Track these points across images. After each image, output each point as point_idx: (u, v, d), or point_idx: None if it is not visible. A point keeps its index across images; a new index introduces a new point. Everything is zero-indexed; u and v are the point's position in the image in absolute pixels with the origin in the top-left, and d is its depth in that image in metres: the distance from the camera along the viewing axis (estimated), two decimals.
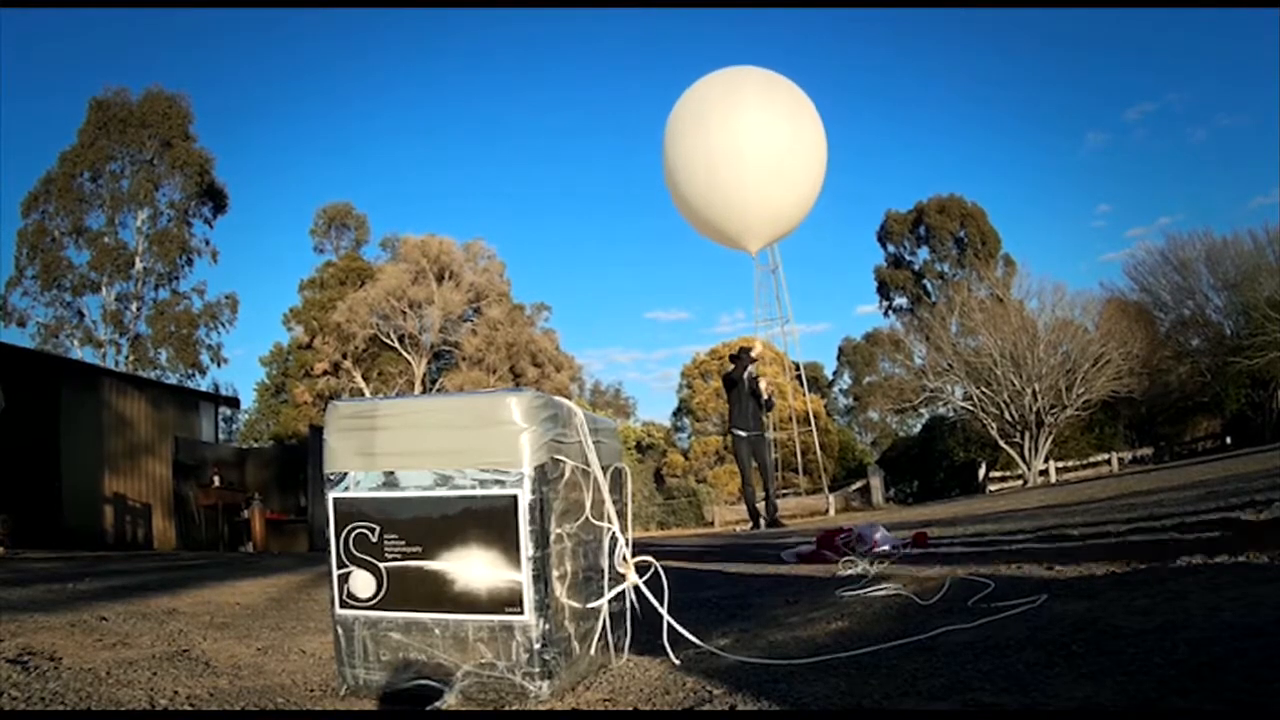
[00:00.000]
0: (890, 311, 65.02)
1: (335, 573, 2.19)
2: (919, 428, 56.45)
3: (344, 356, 50.95)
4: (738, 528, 15.41)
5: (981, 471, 40.33)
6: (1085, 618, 1.98)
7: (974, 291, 43.52)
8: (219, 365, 53.56)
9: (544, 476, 2.13)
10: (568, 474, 2.24)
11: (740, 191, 22.08)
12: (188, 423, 26.29)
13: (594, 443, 2.43)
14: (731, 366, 15.72)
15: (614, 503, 2.54)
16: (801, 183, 23.00)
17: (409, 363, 50.95)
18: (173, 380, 46.87)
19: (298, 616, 3.65)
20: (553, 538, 2.14)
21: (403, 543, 2.15)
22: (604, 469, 2.45)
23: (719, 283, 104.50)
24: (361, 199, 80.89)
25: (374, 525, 2.17)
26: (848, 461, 55.03)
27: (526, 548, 2.08)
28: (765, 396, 15.02)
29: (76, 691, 2.10)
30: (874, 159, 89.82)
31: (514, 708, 2.06)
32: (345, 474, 2.20)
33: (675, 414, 69.29)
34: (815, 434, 44.33)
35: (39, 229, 49.59)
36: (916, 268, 64.21)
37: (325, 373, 51.31)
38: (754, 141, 22.18)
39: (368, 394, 50.23)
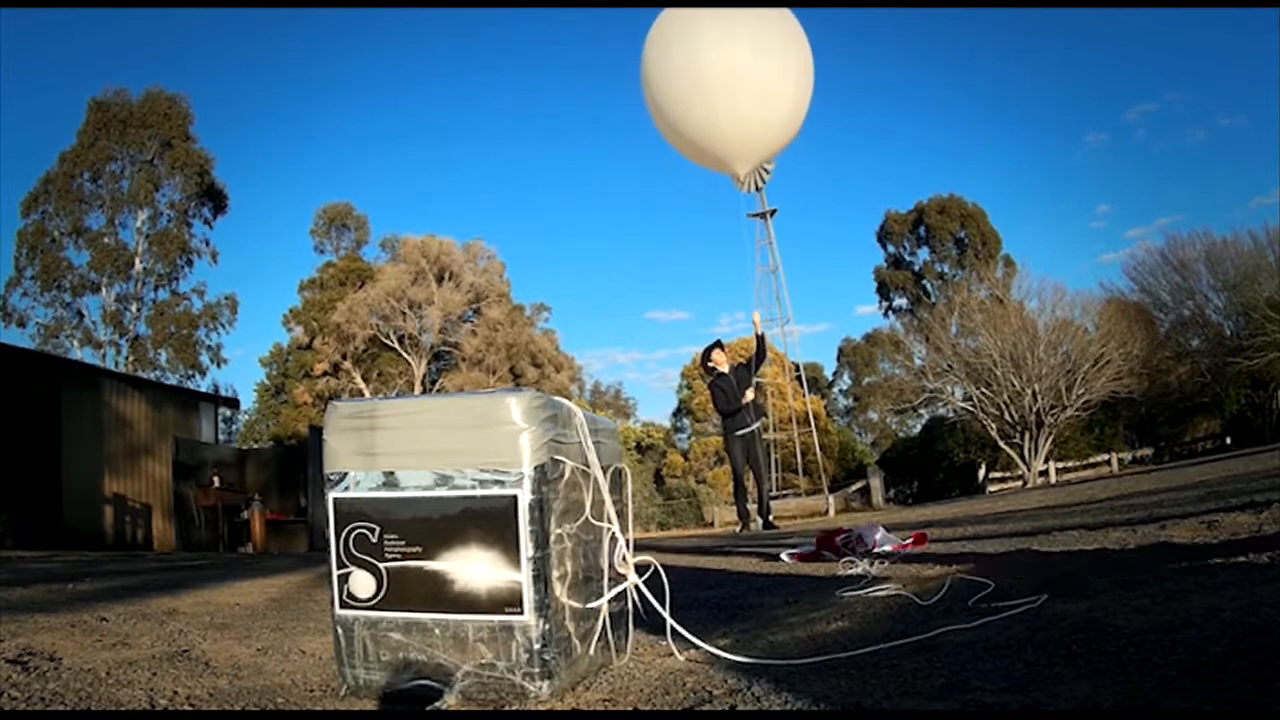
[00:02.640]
0: (890, 312, 65.11)
1: (335, 573, 2.19)
2: (919, 428, 56.49)
3: (344, 357, 51.01)
4: (737, 528, 15.19)
5: (981, 472, 40.34)
6: (1085, 618, 1.98)
7: (974, 292, 43.59)
8: (219, 366, 53.62)
9: (544, 477, 2.13)
10: (568, 474, 2.24)
11: (721, 109, 21.74)
12: (187, 423, 26.32)
13: (594, 443, 2.43)
14: (710, 375, 15.25)
15: (614, 503, 2.54)
16: (786, 99, 22.66)
17: (409, 363, 50.91)
18: (172, 381, 46.94)
19: (297, 617, 3.65)
20: (553, 538, 2.14)
21: (403, 543, 2.15)
22: (604, 469, 2.46)
23: (719, 283, 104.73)
24: (362, 200, 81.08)
25: (374, 525, 2.17)
26: (848, 462, 55.05)
27: (526, 548, 2.09)
28: (762, 339, 14.36)
29: (76, 692, 2.11)
30: (874, 159, 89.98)
31: (514, 708, 2.06)
32: (345, 474, 2.20)
33: (675, 414, 69.34)
34: (815, 434, 44.44)
35: (39, 229, 49.62)
36: (916, 268, 64.27)
37: (325, 373, 51.39)
38: (736, 57, 21.87)
39: (367, 394, 50.29)
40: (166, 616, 3.53)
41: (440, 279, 51.98)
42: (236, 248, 74.66)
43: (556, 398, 2.27)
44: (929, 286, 62.17)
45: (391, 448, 2.18)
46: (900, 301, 64.48)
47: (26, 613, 3.46)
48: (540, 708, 2.06)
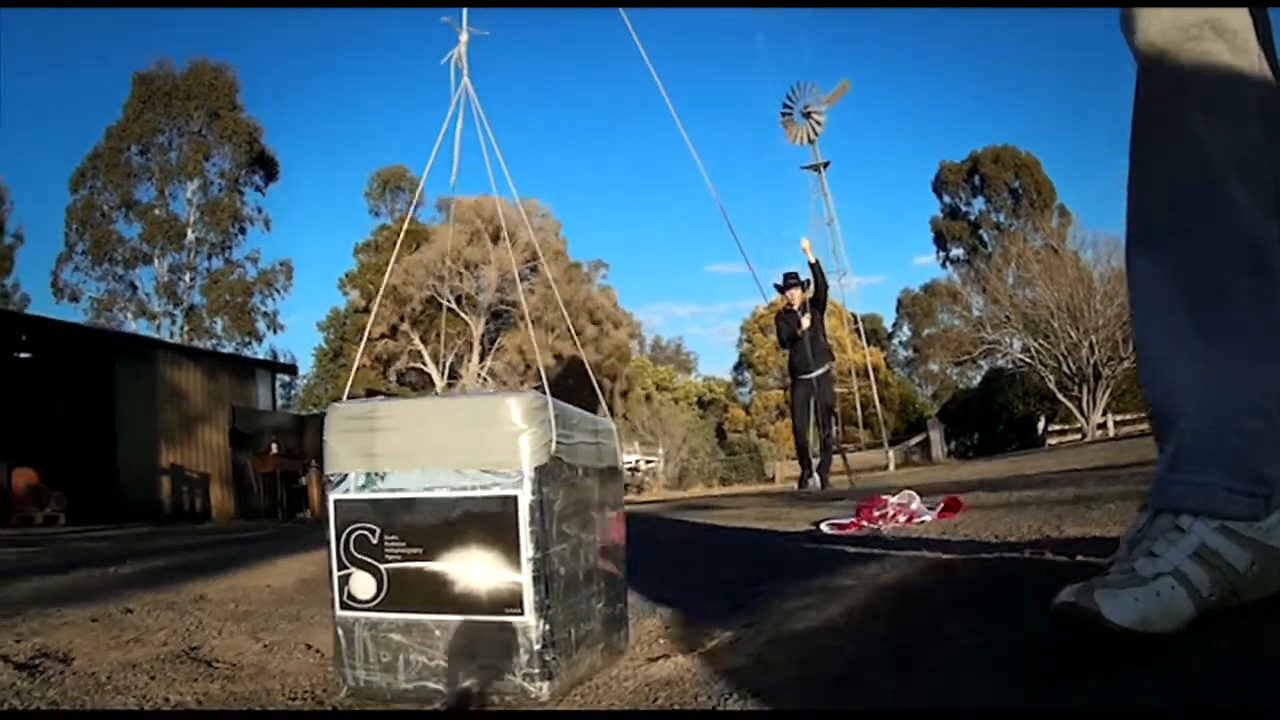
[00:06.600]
0: (948, 262, 64.92)
1: (336, 574, 2.22)
2: (979, 380, 56.34)
3: (401, 319, 51.28)
4: (797, 485, 14.62)
5: (1041, 425, 40.19)
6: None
7: (1029, 242, 43.29)
8: (275, 332, 54.40)
9: (544, 477, 2.14)
10: (568, 475, 2.23)
11: None
12: (244, 391, 26.64)
13: (594, 443, 2.47)
14: (782, 304, 14.44)
15: (612, 503, 2.57)
16: None
17: (467, 324, 51.05)
18: (229, 349, 47.45)
19: (319, 603, 3.66)
20: (553, 538, 2.15)
21: (403, 544, 2.17)
22: (602, 469, 2.50)
23: (777, 235, 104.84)
24: (415, 162, 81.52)
25: (374, 526, 2.19)
26: (908, 415, 55.14)
27: (527, 549, 2.10)
28: (812, 261, 13.71)
29: (73, 700, 2.16)
30: (927, 109, 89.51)
31: (514, 708, 2.08)
32: (345, 475, 2.22)
33: (736, 369, 69.69)
34: (875, 387, 44.36)
35: (88, 204, 50.29)
36: (972, 218, 63.99)
37: (383, 336, 51.69)
38: None
39: (426, 356, 50.79)
40: (192, 605, 3.58)
41: (496, 238, 52.10)
42: (290, 214, 75.39)
43: (556, 399, 2.25)
44: (985, 237, 61.84)
45: (392, 449, 2.20)
46: (957, 252, 64.35)
47: (55, 604, 3.54)
48: (540, 708, 2.07)
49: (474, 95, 2.75)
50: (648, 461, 48.91)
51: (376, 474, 2.20)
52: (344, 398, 2.48)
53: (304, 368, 56.67)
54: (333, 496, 2.22)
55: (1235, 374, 1.86)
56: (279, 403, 31.93)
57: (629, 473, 44.46)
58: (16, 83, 67.59)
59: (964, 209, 64.23)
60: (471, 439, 2.15)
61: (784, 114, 54.56)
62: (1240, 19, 1.89)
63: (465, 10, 2.70)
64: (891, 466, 34.98)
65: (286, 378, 45.11)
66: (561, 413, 2.24)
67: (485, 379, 50.01)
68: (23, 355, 21.34)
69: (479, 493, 2.12)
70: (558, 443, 2.19)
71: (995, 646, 1.91)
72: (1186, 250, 1.92)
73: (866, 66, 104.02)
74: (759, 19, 63.38)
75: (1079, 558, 2.69)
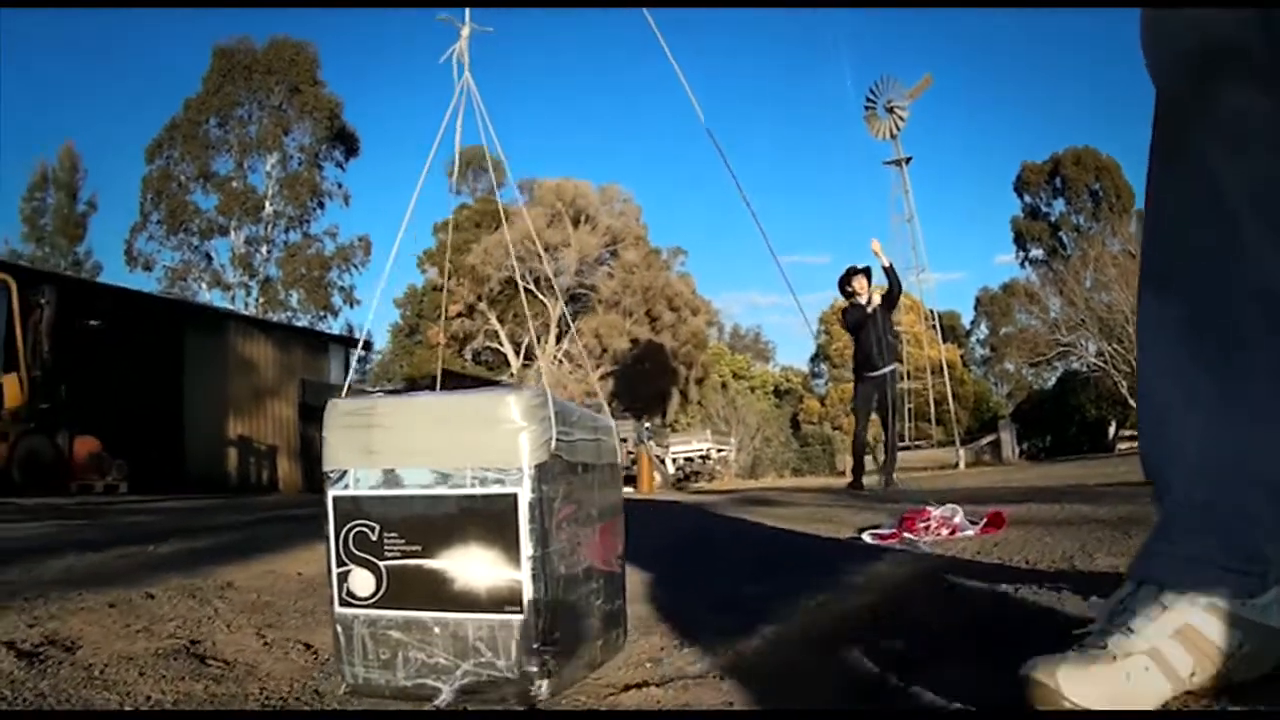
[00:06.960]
0: (1027, 262, 64.42)
1: (334, 571, 2.21)
2: (1053, 381, 55.97)
3: (479, 299, 51.47)
4: (865, 480, 13.82)
5: (1111, 430, 39.84)
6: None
7: (1108, 246, 42.89)
8: (351, 306, 54.72)
9: (544, 475, 2.12)
10: (567, 472, 2.23)
11: None
12: (316, 365, 26.95)
13: (594, 440, 2.44)
14: (846, 302, 13.96)
15: (611, 500, 2.56)
16: None
17: (545, 305, 51.17)
18: (304, 322, 47.91)
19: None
20: (553, 536, 2.13)
21: (402, 541, 2.15)
22: (602, 466, 2.48)
23: (858, 227, 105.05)
24: (499, 143, 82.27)
25: (373, 523, 2.18)
26: (982, 413, 54.87)
27: (526, 547, 2.08)
28: (886, 265, 13.20)
29: (60, 693, 2.15)
30: (1009, 109, 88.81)
31: (513, 707, 2.07)
32: (345, 472, 2.22)
33: (813, 360, 69.61)
34: (949, 383, 44.10)
35: (164, 174, 50.93)
36: (1053, 219, 63.45)
37: (460, 314, 51.91)
38: None
39: (502, 336, 51.06)
40: (215, 593, 3.54)
41: (576, 221, 52.23)
42: (370, 190, 75.76)
43: (557, 396, 2.24)
44: (1065, 239, 61.36)
45: (391, 446, 2.19)
46: (1037, 252, 63.87)
47: (81, 586, 3.52)
48: (540, 707, 2.07)
49: (475, 89, 2.74)
50: (719, 450, 48.87)
51: (376, 471, 2.18)
52: (344, 392, 2.48)
53: (379, 343, 57.23)
54: (332, 493, 2.21)
55: (1237, 438, 1.70)
56: (353, 378, 32.22)
57: (700, 460, 44.30)
58: (91, 52, 68.54)
59: (1044, 210, 63.74)
60: (471, 436, 2.14)
61: (867, 108, 54.57)
62: (1261, 39, 1.73)
63: (468, 10, 2.69)
64: (962, 465, 34.86)
65: (361, 352, 45.49)
66: (561, 410, 2.22)
67: (561, 361, 50.19)
68: (93, 323, 21.48)
69: (478, 490, 2.11)
70: (558, 440, 2.17)
71: (965, 698, 1.86)
72: (1194, 293, 1.76)
73: (951, 65, 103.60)
74: (836, 15, 63.35)
75: (1092, 598, 2.62)
